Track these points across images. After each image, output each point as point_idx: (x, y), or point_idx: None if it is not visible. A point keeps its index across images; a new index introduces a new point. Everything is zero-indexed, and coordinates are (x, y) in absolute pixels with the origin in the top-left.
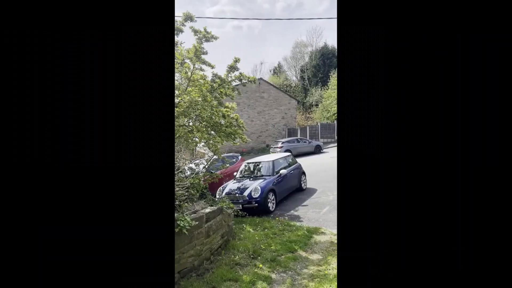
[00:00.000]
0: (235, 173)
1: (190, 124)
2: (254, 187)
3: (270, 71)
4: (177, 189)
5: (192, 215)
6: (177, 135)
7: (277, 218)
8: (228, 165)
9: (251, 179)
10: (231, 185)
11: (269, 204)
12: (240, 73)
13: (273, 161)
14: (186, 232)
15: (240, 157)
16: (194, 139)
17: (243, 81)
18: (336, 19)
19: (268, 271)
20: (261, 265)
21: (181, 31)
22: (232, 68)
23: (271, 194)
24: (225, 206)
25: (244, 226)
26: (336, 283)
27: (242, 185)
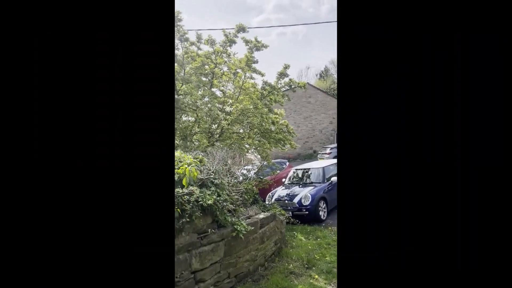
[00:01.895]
0: (283, 179)
1: (241, 131)
2: (304, 194)
3: (316, 75)
4: (233, 193)
5: (247, 220)
6: (231, 141)
7: (329, 228)
8: (278, 171)
9: (300, 186)
10: (280, 192)
11: (320, 213)
12: (290, 79)
13: (323, 167)
14: (242, 237)
15: (287, 163)
16: (245, 145)
17: (293, 86)
18: None
19: (325, 283)
20: (316, 276)
21: (234, 42)
22: (281, 74)
23: (322, 202)
24: (278, 213)
25: (295, 234)
26: None
27: (291, 192)
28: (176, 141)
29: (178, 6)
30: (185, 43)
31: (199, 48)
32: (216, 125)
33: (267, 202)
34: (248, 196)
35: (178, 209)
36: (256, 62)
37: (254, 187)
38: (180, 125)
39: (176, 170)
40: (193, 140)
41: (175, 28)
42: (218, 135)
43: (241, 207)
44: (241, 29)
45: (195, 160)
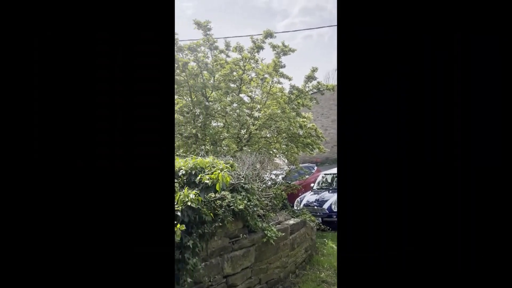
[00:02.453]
0: (312, 184)
1: (268, 136)
2: (334, 200)
3: None
4: (262, 199)
5: (277, 225)
6: (259, 146)
7: None
8: (307, 176)
9: (330, 191)
10: (308, 197)
11: None
12: (318, 82)
13: None
14: (273, 243)
15: (315, 168)
16: (273, 150)
17: (321, 89)
18: None
19: None
20: None
21: (262, 48)
22: (309, 78)
23: None
24: (308, 219)
25: (326, 241)
26: None
27: (320, 197)
28: (207, 147)
29: (206, 15)
30: (215, 51)
31: (227, 56)
32: (245, 130)
33: (295, 208)
34: (278, 201)
35: (211, 214)
36: (284, 66)
37: (283, 192)
38: (210, 131)
39: (209, 175)
40: (222, 145)
41: (205, 37)
42: (246, 140)
43: (271, 213)
44: (269, 34)
45: (227, 165)
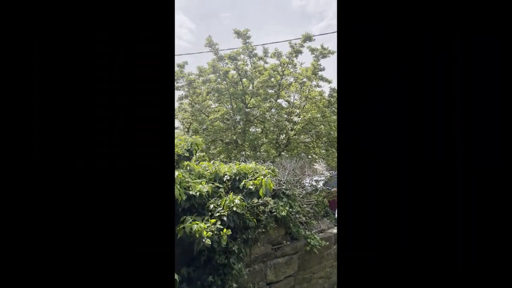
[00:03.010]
0: None
1: (307, 140)
2: None
3: None
4: (304, 205)
5: (319, 234)
6: (298, 151)
7: None
8: None
9: None
10: None
11: None
12: None
13: None
14: (317, 252)
15: None
16: (312, 155)
17: None
18: None
19: None
20: None
21: (300, 52)
22: None
23: None
24: None
25: None
26: None
27: None
28: (246, 152)
29: (245, 24)
30: (253, 58)
31: (265, 62)
32: (283, 135)
33: (336, 215)
34: (319, 209)
35: (254, 219)
36: (323, 69)
37: (325, 199)
38: (250, 137)
39: (253, 181)
40: (261, 150)
41: (245, 46)
42: (284, 145)
43: (313, 220)
44: (307, 38)
45: (269, 171)
